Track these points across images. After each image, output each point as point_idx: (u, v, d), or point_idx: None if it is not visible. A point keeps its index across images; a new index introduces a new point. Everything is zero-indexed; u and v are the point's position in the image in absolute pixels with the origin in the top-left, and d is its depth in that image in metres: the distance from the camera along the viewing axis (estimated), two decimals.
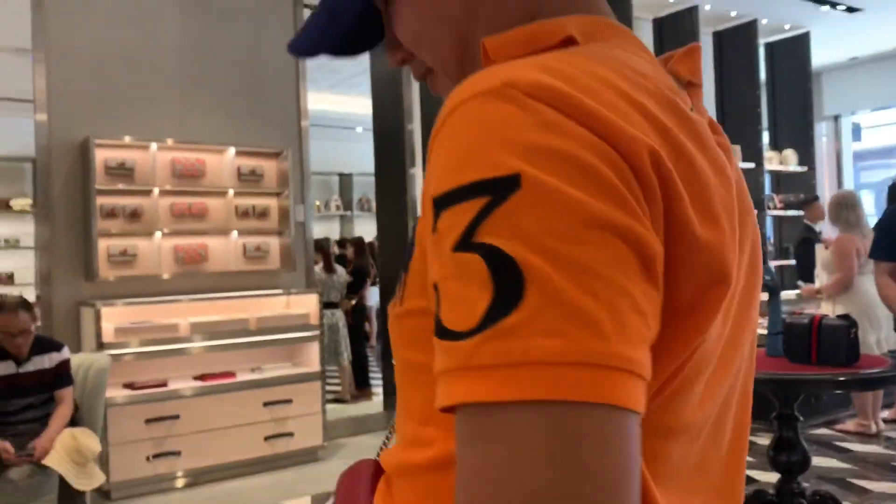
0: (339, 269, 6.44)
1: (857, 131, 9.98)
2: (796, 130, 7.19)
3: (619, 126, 0.41)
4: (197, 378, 4.29)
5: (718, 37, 6.88)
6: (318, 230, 7.62)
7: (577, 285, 0.37)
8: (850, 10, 6.65)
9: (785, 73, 7.32)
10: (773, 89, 7.38)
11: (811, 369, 2.49)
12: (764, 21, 6.77)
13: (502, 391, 0.36)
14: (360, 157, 8.64)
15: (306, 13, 4.97)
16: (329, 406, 5.05)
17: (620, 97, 0.43)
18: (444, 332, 0.39)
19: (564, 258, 0.37)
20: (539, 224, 0.38)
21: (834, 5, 6.52)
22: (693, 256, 0.44)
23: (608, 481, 0.35)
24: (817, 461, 3.84)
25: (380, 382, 6.03)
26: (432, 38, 0.59)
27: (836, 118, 9.20)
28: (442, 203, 0.41)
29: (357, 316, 6.67)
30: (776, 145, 7.23)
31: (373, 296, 7.45)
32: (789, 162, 6.97)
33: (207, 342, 4.24)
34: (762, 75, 7.12)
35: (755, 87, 6.68)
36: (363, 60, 6.63)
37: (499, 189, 0.39)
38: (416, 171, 5.48)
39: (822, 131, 8.44)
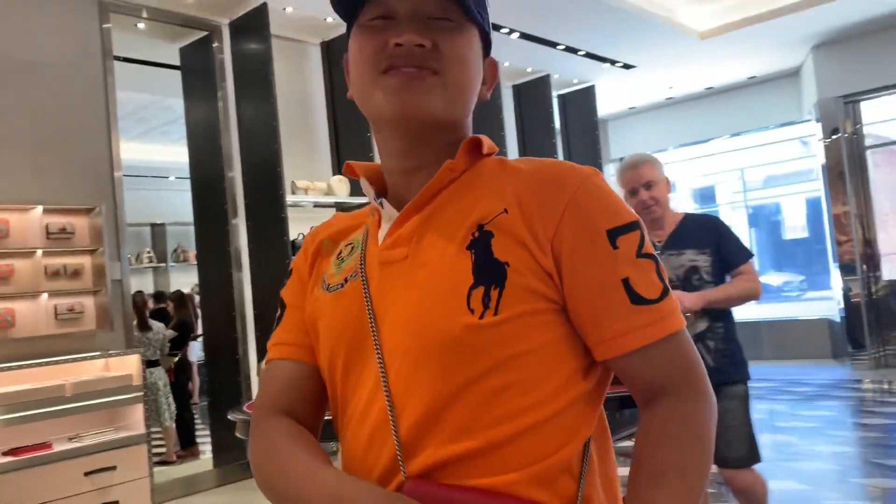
0: (157, 325, 6.20)
1: None
2: None
3: None
4: (7, 453, 3.97)
5: (518, 90, 7.52)
6: (131, 284, 7.26)
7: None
8: (626, 66, 7.57)
9: (576, 121, 8.12)
10: (567, 135, 8.16)
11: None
12: (556, 76, 7.51)
13: (677, 323, 0.76)
14: (174, 207, 8.38)
15: (117, 65, 4.85)
16: (156, 469, 4.84)
17: None
18: (641, 300, 0.74)
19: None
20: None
21: (613, 62, 7.39)
22: None
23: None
24: (622, 472, 4.29)
25: (207, 440, 5.85)
26: (471, 85, 0.84)
27: (621, 160, 10.30)
28: (616, 232, 0.75)
29: (181, 373, 6.44)
30: None
31: (194, 351, 7.21)
32: None
33: (17, 413, 3.95)
34: (557, 123, 7.87)
35: (552, 135, 7.37)
36: (175, 108, 6.51)
37: (635, 227, 0.77)
38: (239, 222, 5.45)
39: (610, 171, 9.40)
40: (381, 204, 0.83)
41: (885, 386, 6.95)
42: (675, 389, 0.75)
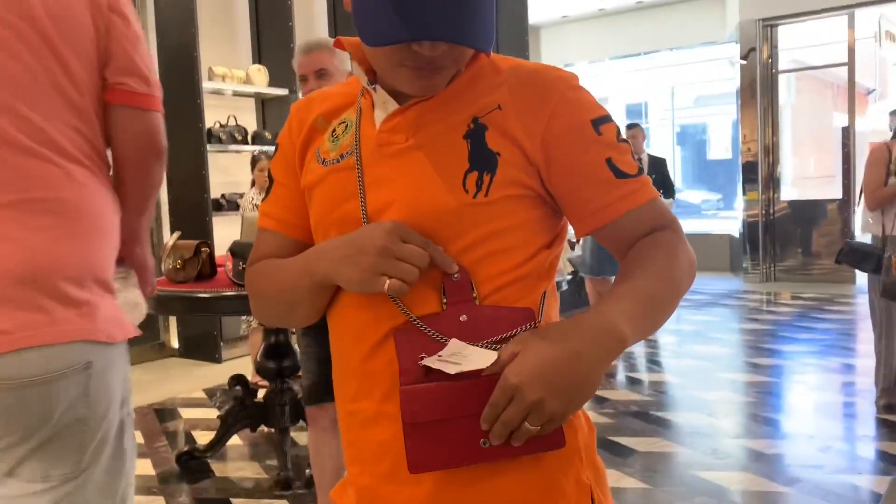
0: None
1: None
2: None
3: None
4: None
5: None
6: None
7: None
8: None
9: (506, 26, 8.12)
10: (497, 41, 8.17)
11: None
12: None
13: (653, 192, 0.90)
14: None
15: None
16: None
17: None
18: (624, 175, 0.88)
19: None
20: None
21: None
22: None
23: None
24: None
25: None
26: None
27: None
28: (598, 122, 0.88)
29: None
30: None
31: None
32: None
33: None
34: None
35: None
36: None
37: (611, 118, 0.90)
38: None
39: None
40: (374, 89, 0.90)
41: (770, 297, 7.54)
42: (659, 229, 0.90)
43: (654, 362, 4.99)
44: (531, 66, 0.92)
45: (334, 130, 0.96)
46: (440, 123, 0.88)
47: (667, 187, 6.01)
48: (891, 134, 4.11)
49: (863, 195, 3.94)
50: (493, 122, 0.87)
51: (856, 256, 4.01)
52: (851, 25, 7.77)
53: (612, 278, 4.83)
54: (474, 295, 0.85)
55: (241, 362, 5.16)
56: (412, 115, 0.89)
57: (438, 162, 0.86)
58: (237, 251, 2.58)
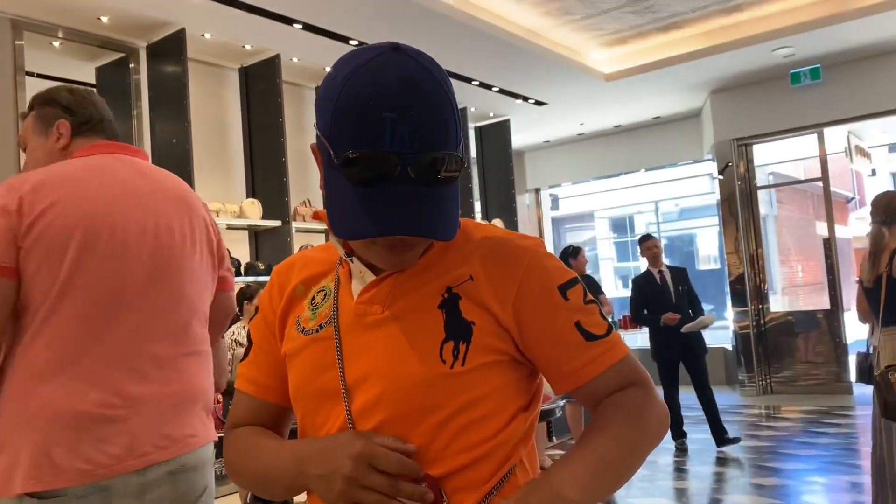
0: None
1: (555, 201, 11.64)
2: (503, 201, 8.30)
3: None
4: None
5: None
6: None
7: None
8: (538, 103, 7.95)
9: (492, 153, 8.44)
10: (483, 167, 8.47)
11: None
12: (472, 109, 7.82)
13: (624, 349, 0.93)
14: None
15: (31, 81, 4.88)
16: None
17: None
18: (594, 337, 0.91)
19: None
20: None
21: (525, 99, 7.75)
22: None
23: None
24: None
25: None
26: None
27: (537, 191, 10.70)
28: (565, 287, 0.92)
29: None
30: (486, 214, 8.28)
31: None
32: None
33: None
34: (473, 154, 8.17)
35: (467, 165, 7.64)
36: None
37: (577, 281, 0.95)
38: None
39: (525, 202, 9.78)
40: (351, 260, 0.94)
41: (768, 411, 7.44)
42: (629, 386, 0.92)
43: (654, 485, 4.87)
44: (500, 235, 0.96)
45: (314, 298, 0.98)
46: (415, 294, 0.91)
47: (693, 302, 5.78)
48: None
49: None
50: (466, 291, 0.90)
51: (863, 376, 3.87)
52: (822, 142, 8.11)
53: None
54: (444, 502, 0.85)
55: (229, 500, 5.00)
56: (388, 287, 0.91)
57: (415, 333, 0.89)
58: (231, 391, 2.57)
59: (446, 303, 0.89)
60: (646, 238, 5.96)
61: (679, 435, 5.78)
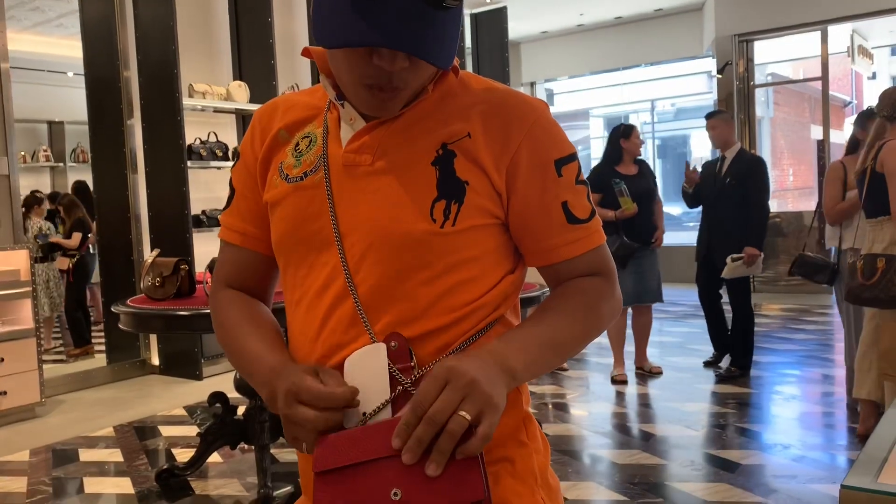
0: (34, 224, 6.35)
1: (550, 97, 11.42)
2: None
3: None
4: None
5: None
6: (26, 183, 7.08)
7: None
8: None
9: (487, 42, 8.20)
10: (478, 57, 8.25)
11: None
12: None
13: (600, 238, 0.93)
14: (73, 105, 8.08)
15: None
16: (50, 365, 4.94)
17: None
18: (576, 220, 0.90)
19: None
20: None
21: None
22: None
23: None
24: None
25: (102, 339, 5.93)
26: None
27: (532, 84, 10.48)
28: (561, 162, 0.89)
29: (79, 272, 6.43)
30: None
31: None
32: None
33: None
34: (468, 43, 7.94)
35: (461, 55, 7.43)
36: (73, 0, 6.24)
37: (575, 157, 0.91)
38: (135, 123, 5.40)
39: None
40: (342, 105, 0.88)
41: None
42: (594, 275, 0.93)
43: (635, 375, 5.02)
44: (503, 92, 0.91)
45: (297, 145, 0.93)
46: (408, 147, 0.87)
47: (762, 190, 4.76)
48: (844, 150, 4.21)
49: (823, 211, 4.06)
50: (462, 149, 0.86)
51: (808, 268, 4.14)
52: (825, 40, 7.91)
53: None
54: (413, 364, 0.84)
55: (222, 379, 5.14)
56: (379, 136, 0.87)
57: (406, 188, 0.85)
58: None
59: (440, 160, 0.85)
60: (710, 115, 5.06)
61: None
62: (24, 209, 5.54)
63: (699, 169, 5.07)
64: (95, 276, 6.44)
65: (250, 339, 0.94)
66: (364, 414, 0.80)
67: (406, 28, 0.75)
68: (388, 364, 0.82)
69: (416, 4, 0.75)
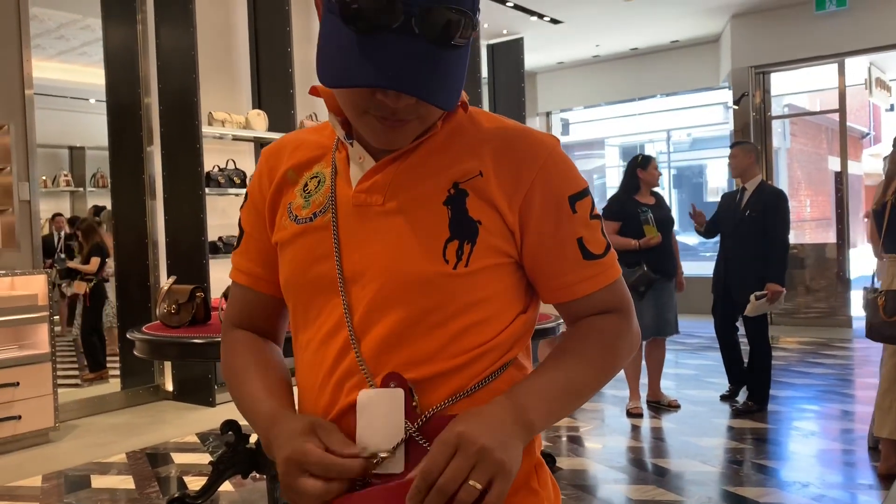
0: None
1: (565, 126, 11.47)
2: None
3: None
4: None
5: None
6: (46, 207, 7.18)
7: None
8: (554, 21, 7.72)
9: (504, 72, 8.26)
10: (494, 87, 8.30)
11: None
12: (485, 25, 7.61)
13: (616, 273, 0.92)
14: (94, 131, 8.22)
15: None
16: (64, 389, 4.95)
17: None
18: (592, 256, 0.89)
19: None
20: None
21: (541, 16, 7.53)
22: None
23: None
24: None
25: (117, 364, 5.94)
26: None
27: (548, 114, 10.53)
28: (575, 198, 0.88)
29: (96, 297, 6.47)
30: None
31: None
32: None
33: None
34: (484, 73, 8.00)
35: (477, 85, 7.50)
36: (95, 28, 6.37)
37: (588, 192, 0.90)
38: (154, 149, 5.46)
39: (535, 125, 9.61)
40: (351, 144, 0.87)
41: None
42: (610, 311, 0.91)
43: (650, 408, 4.96)
44: (514, 129, 0.89)
45: (306, 185, 0.92)
46: (420, 186, 0.85)
47: (783, 224, 4.67)
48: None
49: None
50: (475, 187, 0.84)
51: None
52: (842, 73, 7.90)
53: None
54: (414, 404, 0.82)
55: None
56: (389, 175, 0.86)
57: (418, 229, 0.84)
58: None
59: (452, 199, 0.84)
60: (734, 145, 5.07)
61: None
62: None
63: (716, 199, 5.04)
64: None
65: (253, 384, 0.93)
66: (372, 460, 0.79)
67: (410, 68, 0.74)
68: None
69: (422, 44, 0.75)
